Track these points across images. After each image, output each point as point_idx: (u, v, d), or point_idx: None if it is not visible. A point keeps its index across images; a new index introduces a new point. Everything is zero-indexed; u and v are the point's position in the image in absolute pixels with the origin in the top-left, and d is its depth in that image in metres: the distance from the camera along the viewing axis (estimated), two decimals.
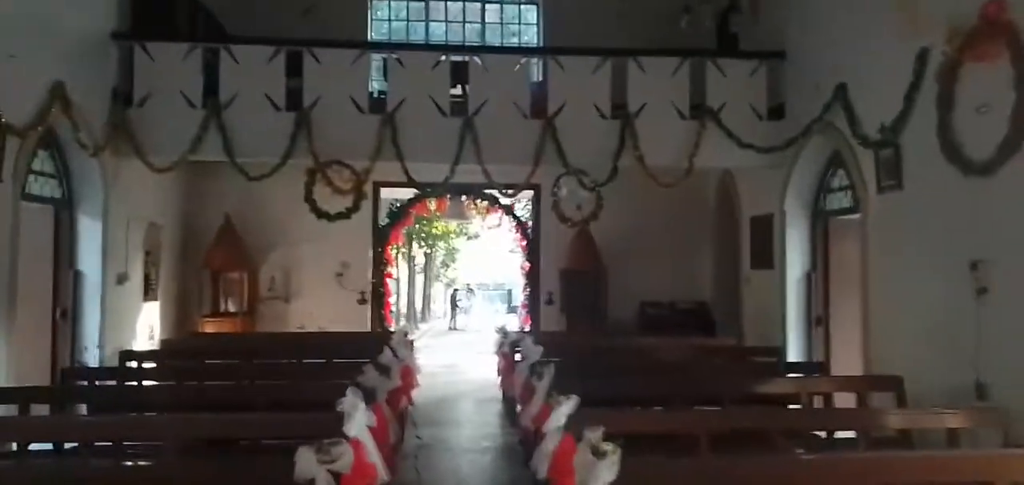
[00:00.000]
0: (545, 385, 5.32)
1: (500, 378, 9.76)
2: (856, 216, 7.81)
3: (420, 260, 32.45)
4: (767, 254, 9.33)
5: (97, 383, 6.66)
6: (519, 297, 34.75)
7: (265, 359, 7.59)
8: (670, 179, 8.55)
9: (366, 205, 10.69)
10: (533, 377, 5.54)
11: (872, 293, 7.16)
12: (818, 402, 6.12)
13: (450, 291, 34.66)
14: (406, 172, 8.55)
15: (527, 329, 11.45)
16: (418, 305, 32.01)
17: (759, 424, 4.46)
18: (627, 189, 9.07)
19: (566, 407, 4.17)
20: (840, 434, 5.44)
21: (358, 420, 3.94)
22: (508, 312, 37.90)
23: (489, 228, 29.07)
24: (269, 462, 3.70)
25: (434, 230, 28.26)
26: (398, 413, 6.28)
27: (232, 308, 10.93)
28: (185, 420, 4.55)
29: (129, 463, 4.68)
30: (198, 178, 10.83)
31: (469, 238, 32.77)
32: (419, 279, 32.58)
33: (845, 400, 6.63)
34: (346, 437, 3.87)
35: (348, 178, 8.56)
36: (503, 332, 10.03)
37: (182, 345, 8.91)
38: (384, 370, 5.80)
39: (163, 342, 8.97)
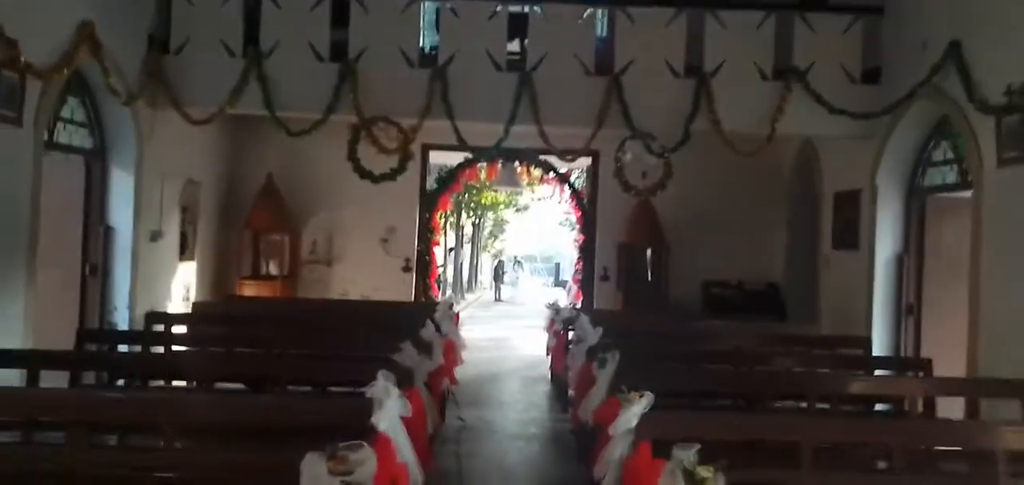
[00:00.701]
0: (609, 374, 4.61)
1: (550, 357, 9.11)
2: (964, 194, 6.86)
3: (468, 230, 31.94)
4: (852, 233, 8.40)
5: (117, 348, 6.16)
6: (567, 270, 34.23)
7: (301, 328, 7.05)
8: (749, 147, 7.68)
9: (414, 168, 10.06)
10: (595, 364, 4.83)
11: (985, 282, 6.22)
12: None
13: (495, 262, 34.14)
14: (457, 132, 7.87)
15: (578, 305, 10.73)
16: (465, 275, 31.55)
17: (873, 435, 3.67)
18: (693, 157, 8.18)
19: (638, 406, 3.45)
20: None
21: (389, 410, 3.30)
22: (555, 286, 37.28)
23: (540, 200, 28.61)
24: (289, 450, 3.09)
25: (483, 200, 27.59)
26: (438, 395, 5.64)
27: (273, 271, 10.48)
28: (196, 402, 4.01)
29: (141, 444, 4.16)
30: (240, 134, 10.37)
31: (518, 210, 32.02)
32: (466, 249, 32.09)
33: (948, 406, 5.78)
34: (375, 429, 3.24)
35: (395, 136, 7.91)
36: (555, 308, 9.36)
37: (214, 308, 8.43)
38: (424, 348, 5.16)
39: (194, 305, 8.52)
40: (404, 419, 3.56)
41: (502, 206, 30.70)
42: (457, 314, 8.57)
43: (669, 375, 5.28)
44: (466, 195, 24.61)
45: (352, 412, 3.50)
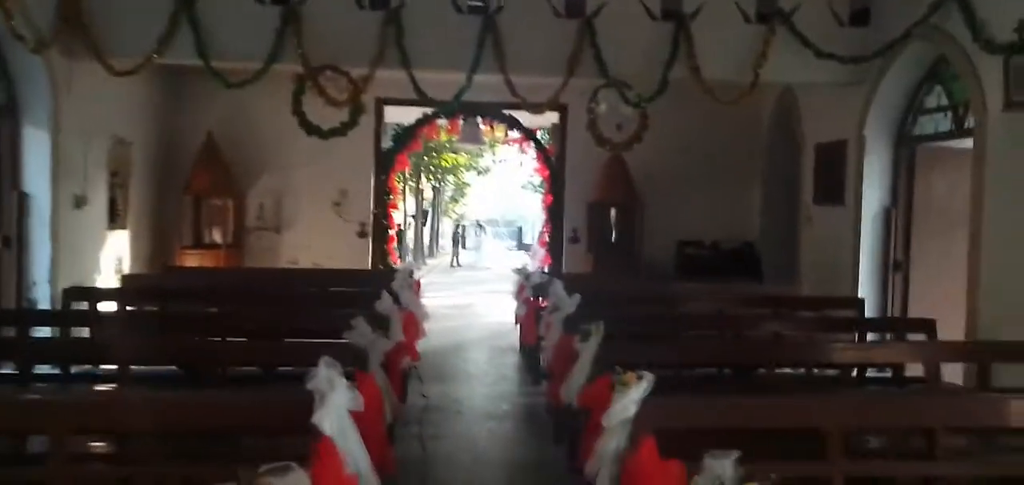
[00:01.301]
0: (593, 349, 4.04)
1: (521, 327, 8.52)
2: (958, 143, 6.46)
3: (428, 194, 31.07)
4: (836, 188, 7.95)
5: (29, 332, 5.38)
6: (530, 233, 33.55)
7: (245, 301, 6.33)
8: (729, 95, 7.12)
9: (368, 126, 9.40)
10: (576, 338, 4.26)
11: (986, 235, 5.80)
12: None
13: (455, 227, 33.35)
14: (414, 82, 7.18)
15: (546, 270, 10.16)
16: (426, 241, 30.73)
17: (914, 417, 3.16)
18: (666, 108, 7.60)
19: (637, 391, 2.88)
20: None
21: (335, 405, 2.68)
22: (518, 249, 36.71)
23: (502, 162, 27.86)
24: (219, 457, 2.47)
25: (443, 163, 26.72)
26: (398, 374, 5.03)
27: (216, 239, 9.68)
28: (106, 402, 3.34)
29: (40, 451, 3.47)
30: (176, 88, 9.51)
31: (480, 172, 31.18)
32: (427, 213, 31.24)
33: (952, 372, 5.35)
34: (317, 432, 2.62)
35: (344, 87, 7.20)
36: (524, 274, 8.75)
37: (147, 282, 7.62)
38: (381, 323, 4.52)
39: (125, 278, 7.70)
40: (355, 414, 2.94)
41: (463, 169, 29.82)
42: (417, 282, 7.92)
43: (652, 344, 4.76)
44: (426, 158, 23.75)
45: (295, 407, 2.87)
